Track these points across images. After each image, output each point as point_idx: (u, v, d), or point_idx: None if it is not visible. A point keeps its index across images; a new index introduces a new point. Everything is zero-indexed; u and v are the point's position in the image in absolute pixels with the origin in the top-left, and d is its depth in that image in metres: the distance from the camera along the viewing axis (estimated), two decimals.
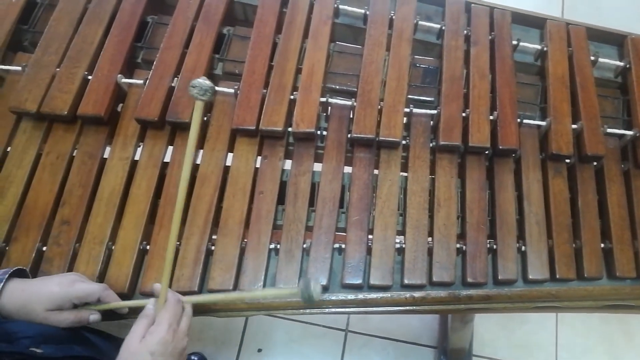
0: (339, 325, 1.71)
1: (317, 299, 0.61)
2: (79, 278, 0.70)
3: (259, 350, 1.66)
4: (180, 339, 0.59)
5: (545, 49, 0.93)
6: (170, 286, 0.76)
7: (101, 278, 0.76)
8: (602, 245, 0.83)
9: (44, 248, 0.77)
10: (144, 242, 0.79)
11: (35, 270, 0.76)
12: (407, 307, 0.79)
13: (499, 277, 0.79)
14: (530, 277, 0.80)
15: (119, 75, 0.86)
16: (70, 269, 0.76)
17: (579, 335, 1.71)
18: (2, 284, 0.63)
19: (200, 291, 0.77)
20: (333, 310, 0.79)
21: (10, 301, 0.64)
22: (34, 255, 0.76)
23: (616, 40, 0.99)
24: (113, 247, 0.78)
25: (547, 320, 1.72)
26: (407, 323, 1.71)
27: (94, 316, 0.70)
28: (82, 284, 0.68)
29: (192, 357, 1.62)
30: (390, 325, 1.71)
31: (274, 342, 1.67)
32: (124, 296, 0.76)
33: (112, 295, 0.71)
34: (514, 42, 0.93)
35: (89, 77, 0.85)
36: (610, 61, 0.95)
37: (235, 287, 0.77)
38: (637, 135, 0.87)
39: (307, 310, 0.78)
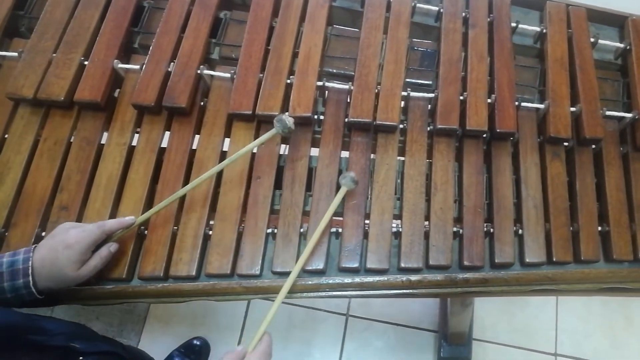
0: (340, 309, 1.72)
1: (291, 125, 0.74)
2: (71, 226, 0.70)
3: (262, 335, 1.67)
4: None
5: (544, 30, 0.92)
6: (168, 273, 0.77)
7: None
8: (600, 228, 0.83)
9: (43, 233, 0.78)
10: (142, 227, 0.79)
11: None
12: (404, 291, 0.79)
13: (496, 261, 0.79)
14: (527, 260, 0.80)
15: (116, 60, 0.86)
16: None
17: (580, 319, 1.71)
18: (29, 262, 0.65)
19: (198, 276, 0.77)
20: (330, 293, 0.79)
21: (41, 277, 0.66)
22: (33, 240, 0.76)
23: (617, 22, 0.98)
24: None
25: (547, 305, 1.73)
26: (408, 307, 1.72)
27: (113, 247, 0.73)
28: (82, 231, 0.69)
29: (195, 342, 1.64)
30: (391, 310, 1.72)
31: (275, 327, 1.66)
32: (122, 281, 0.77)
33: (112, 222, 0.73)
34: (513, 24, 0.92)
35: (86, 63, 0.85)
36: (610, 43, 0.94)
37: (233, 271, 0.77)
38: (637, 117, 0.86)
39: (304, 295, 0.79)
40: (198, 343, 1.63)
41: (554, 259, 0.79)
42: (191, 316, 1.71)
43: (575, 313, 1.72)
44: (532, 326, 1.70)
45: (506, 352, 1.67)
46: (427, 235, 0.80)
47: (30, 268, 0.65)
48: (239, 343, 1.66)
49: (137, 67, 0.86)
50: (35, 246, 0.68)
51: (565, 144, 0.87)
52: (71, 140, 0.84)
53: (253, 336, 0.68)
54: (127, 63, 0.88)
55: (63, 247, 0.66)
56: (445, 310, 1.58)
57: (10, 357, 0.58)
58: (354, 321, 1.71)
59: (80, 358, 0.66)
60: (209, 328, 1.69)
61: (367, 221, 0.81)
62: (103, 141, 0.85)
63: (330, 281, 0.78)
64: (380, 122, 0.82)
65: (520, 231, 0.81)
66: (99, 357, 0.69)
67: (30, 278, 0.65)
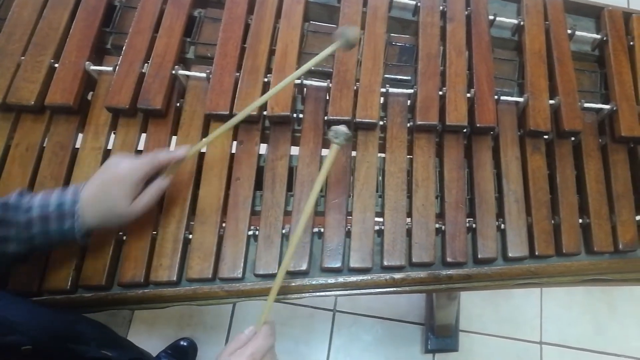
0: (326, 305, 1.72)
1: (356, 35, 0.68)
2: (122, 158, 0.67)
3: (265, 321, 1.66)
4: None
5: (522, 23, 0.92)
6: (148, 279, 0.75)
7: (77, 271, 0.75)
8: (580, 220, 0.83)
9: (120, 233, 0.76)
10: (120, 233, 0.77)
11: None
12: (388, 289, 0.79)
13: (479, 256, 0.79)
14: (510, 255, 0.80)
15: (88, 62, 0.83)
16: (44, 265, 0.74)
17: (564, 307, 1.74)
18: (77, 205, 0.62)
19: (179, 281, 0.76)
20: (314, 294, 0.79)
21: (91, 217, 0.64)
22: None
23: (593, 13, 0.98)
24: (88, 239, 0.76)
25: (532, 294, 1.75)
26: (395, 301, 1.73)
27: (165, 181, 0.70)
28: (133, 163, 0.66)
29: (182, 343, 1.62)
30: (378, 304, 1.72)
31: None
32: (101, 288, 0.76)
33: (164, 154, 0.70)
34: (491, 17, 0.92)
35: (56, 65, 0.83)
36: (587, 34, 0.94)
37: (215, 275, 0.76)
38: (614, 109, 0.87)
39: (289, 296, 0.78)
40: (185, 344, 1.62)
41: (537, 253, 0.80)
42: (177, 317, 1.69)
43: (559, 302, 1.74)
44: (518, 316, 1.72)
45: (492, 342, 1.68)
46: (409, 233, 0.79)
47: (77, 211, 0.62)
48: (226, 341, 1.66)
49: (110, 68, 0.84)
50: (85, 183, 0.65)
51: (545, 137, 0.87)
52: (44, 146, 0.82)
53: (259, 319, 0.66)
54: (100, 64, 0.86)
55: (116, 181, 0.64)
56: (432, 303, 1.59)
57: None
58: (341, 316, 1.71)
59: None
60: (196, 328, 1.68)
61: (349, 218, 0.80)
62: (78, 145, 0.83)
63: (314, 282, 0.78)
64: (360, 120, 0.82)
65: (502, 226, 0.81)
66: None
67: (77, 222, 0.62)
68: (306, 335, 1.68)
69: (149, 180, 0.68)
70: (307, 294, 0.78)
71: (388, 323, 1.70)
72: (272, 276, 0.77)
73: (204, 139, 0.75)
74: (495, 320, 1.71)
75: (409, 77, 0.90)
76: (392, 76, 0.90)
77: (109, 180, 0.64)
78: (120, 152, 0.69)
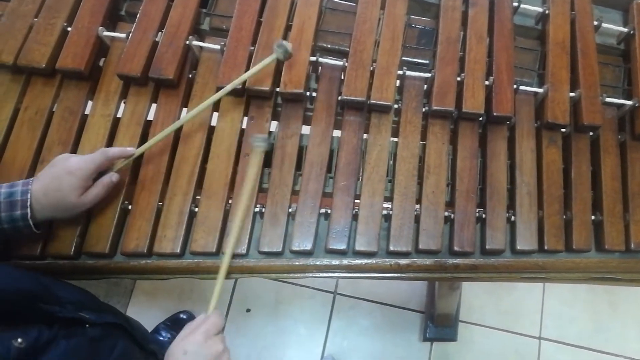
0: (327, 287, 1.72)
1: (291, 50, 0.75)
2: (71, 155, 0.70)
3: (248, 310, 1.67)
4: (211, 345, 0.62)
5: (547, 11, 0.89)
6: (152, 249, 0.75)
7: (82, 237, 0.75)
8: (593, 217, 0.81)
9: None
10: (126, 202, 0.77)
11: None
12: (392, 274, 0.78)
13: (487, 247, 0.78)
14: (518, 247, 0.78)
15: (101, 27, 0.82)
16: (50, 226, 0.74)
17: (565, 303, 1.73)
18: (28, 195, 0.64)
19: (182, 254, 0.76)
20: (317, 275, 0.78)
21: (41, 207, 0.65)
22: None
23: (621, 5, 0.95)
24: (94, 207, 0.76)
25: (534, 289, 1.74)
26: (396, 288, 1.72)
27: (115, 176, 0.72)
28: (83, 158, 0.69)
29: (181, 316, 1.63)
30: (379, 289, 1.72)
31: (262, 303, 1.68)
32: (104, 256, 0.75)
33: (114, 149, 0.72)
34: (515, 4, 0.89)
35: (69, 29, 0.82)
36: (613, 27, 0.91)
37: (219, 250, 0.76)
38: (637, 105, 0.84)
39: (292, 275, 0.77)
40: (184, 317, 1.63)
41: (546, 247, 0.78)
42: (178, 290, 1.70)
43: (561, 298, 1.73)
44: (518, 310, 1.71)
45: (491, 335, 1.68)
46: (417, 219, 0.78)
47: (28, 200, 0.64)
48: (226, 318, 1.66)
49: (124, 35, 0.83)
50: (34, 178, 0.67)
51: (563, 130, 0.85)
52: (53, 110, 0.81)
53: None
54: (113, 31, 0.84)
55: (65, 173, 0.66)
56: (433, 291, 1.59)
57: (19, 324, 0.57)
58: (342, 299, 1.71)
59: (87, 326, 0.66)
60: (196, 302, 1.69)
61: (357, 202, 0.79)
62: (87, 112, 0.82)
63: (318, 262, 0.77)
64: (374, 102, 0.80)
65: (512, 218, 0.80)
66: (104, 328, 0.69)
67: (28, 210, 0.64)
68: (306, 316, 1.68)
69: (99, 175, 0.71)
70: (310, 274, 0.78)
71: (388, 309, 1.70)
72: (277, 254, 0.77)
73: (149, 141, 0.76)
74: (496, 312, 1.70)
75: (426, 61, 0.88)
76: (410, 59, 0.88)
77: (59, 174, 0.66)
78: (68, 153, 0.72)
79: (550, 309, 1.72)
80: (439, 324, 1.61)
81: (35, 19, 0.82)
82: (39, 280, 0.65)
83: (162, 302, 1.69)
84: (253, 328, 1.65)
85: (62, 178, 0.66)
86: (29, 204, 0.64)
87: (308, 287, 1.71)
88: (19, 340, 0.53)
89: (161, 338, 1.56)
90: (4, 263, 0.66)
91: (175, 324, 1.62)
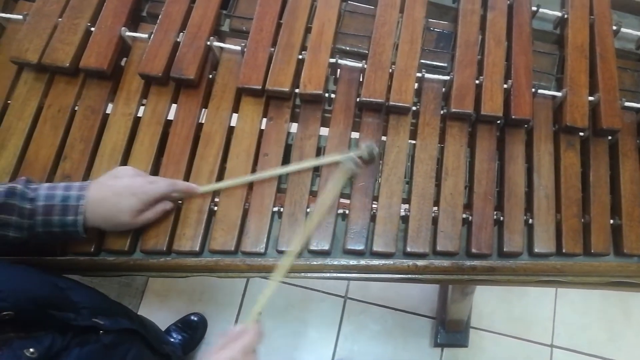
0: (338, 291, 1.72)
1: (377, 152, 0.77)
2: (136, 174, 0.70)
3: (259, 313, 1.67)
4: None
5: (565, 16, 0.89)
6: (171, 247, 0.75)
7: (102, 234, 0.75)
8: (612, 221, 0.81)
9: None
10: None
11: None
12: (410, 276, 0.78)
13: (504, 249, 0.78)
14: (536, 250, 0.78)
15: (123, 28, 0.83)
16: None
17: (577, 311, 1.71)
18: (83, 201, 0.64)
19: (201, 252, 0.76)
20: (334, 275, 0.78)
21: (94, 216, 0.66)
22: None
23: None
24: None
25: (545, 296, 1.73)
26: (407, 293, 1.72)
27: (169, 205, 0.74)
28: (150, 183, 0.69)
29: (192, 318, 1.64)
30: (390, 294, 1.72)
31: (273, 306, 1.68)
32: (123, 253, 0.76)
33: (182, 184, 0.74)
34: (534, 8, 0.89)
35: (92, 29, 0.83)
36: (632, 32, 0.91)
37: (237, 248, 0.76)
38: None
39: (309, 275, 0.78)
40: (195, 319, 1.64)
41: (564, 251, 0.78)
42: (189, 292, 1.71)
43: (573, 305, 1.72)
44: (530, 316, 1.70)
45: (502, 341, 1.67)
46: (435, 221, 0.78)
47: (82, 207, 0.64)
48: (236, 320, 1.67)
49: (145, 35, 0.84)
50: (91, 183, 0.67)
51: (581, 134, 0.85)
52: (75, 109, 0.82)
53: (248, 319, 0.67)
54: (135, 31, 0.86)
55: (129, 193, 0.66)
56: (444, 296, 1.58)
57: (33, 331, 0.57)
58: (352, 304, 1.71)
59: (101, 332, 0.66)
60: (207, 304, 1.69)
61: (374, 204, 0.79)
62: (108, 111, 0.83)
63: (335, 262, 0.77)
64: (393, 103, 0.80)
65: (530, 221, 0.80)
66: (118, 333, 0.69)
67: (81, 217, 0.64)
68: (316, 320, 1.68)
69: None
70: (327, 274, 0.78)
71: (398, 314, 1.70)
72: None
73: (218, 183, 0.77)
74: (507, 319, 1.69)
75: (444, 64, 0.89)
76: (428, 62, 0.88)
77: (122, 191, 0.66)
78: (132, 168, 0.72)
79: (562, 316, 1.71)
80: (450, 330, 1.60)
81: (60, 19, 0.83)
82: (56, 284, 0.65)
83: (173, 304, 1.69)
84: (263, 331, 1.65)
85: (123, 196, 0.66)
86: (82, 210, 0.64)
87: (318, 290, 1.71)
88: (31, 350, 0.53)
89: (172, 339, 1.56)
90: (22, 265, 0.66)
91: (186, 325, 1.62)
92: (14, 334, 0.55)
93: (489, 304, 1.71)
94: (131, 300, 1.69)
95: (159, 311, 1.67)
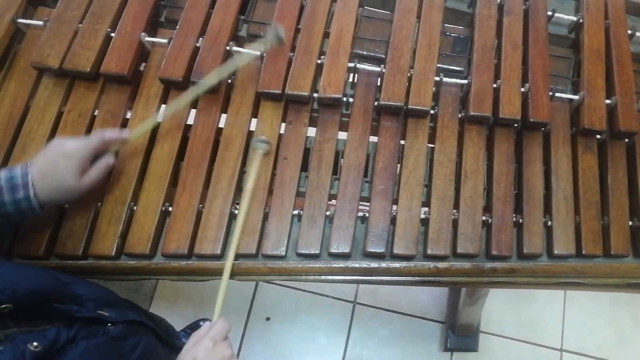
0: (347, 296, 1.71)
1: (282, 35, 0.76)
2: (66, 138, 0.70)
3: (267, 319, 1.67)
4: (220, 350, 0.64)
5: (581, 20, 0.90)
6: (192, 251, 0.76)
7: (123, 238, 0.76)
8: (631, 223, 0.82)
9: (66, 205, 0.76)
10: (166, 204, 0.78)
11: (58, 225, 0.76)
12: (430, 278, 0.79)
13: (524, 251, 0.78)
14: (555, 252, 0.79)
15: (143, 33, 0.84)
16: (92, 227, 0.76)
17: (587, 316, 1.71)
18: (29, 177, 0.64)
19: (222, 255, 0.76)
20: (355, 278, 0.79)
21: (42, 190, 0.65)
22: (56, 212, 0.76)
23: None
24: (135, 208, 0.77)
25: (554, 300, 1.73)
26: (415, 297, 1.72)
27: (112, 159, 0.73)
28: (79, 140, 0.69)
29: (201, 323, 1.62)
30: (398, 299, 1.71)
31: (282, 311, 1.68)
32: (144, 257, 0.76)
33: (110, 131, 0.74)
34: (549, 13, 0.90)
35: (112, 35, 0.83)
36: None
37: (258, 251, 0.76)
38: None
39: (330, 277, 0.78)
40: (204, 325, 1.63)
41: (583, 252, 0.78)
42: (198, 297, 1.70)
43: (582, 309, 1.72)
44: (539, 321, 1.70)
45: (512, 346, 1.67)
46: (455, 223, 0.79)
47: (30, 182, 0.64)
48: (245, 326, 1.66)
49: (165, 41, 0.85)
50: (28, 162, 0.67)
51: (598, 136, 0.86)
52: (95, 113, 0.83)
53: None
54: (154, 36, 0.86)
55: (62, 157, 0.66)
56: (454, 301, 1.58)
57: (39, 324, 0.57)
58: (361, 309, 1.71)
59: (109, 324, 0.66)
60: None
61: (394, 207, 0.80)
62: (128, 116, 0.83)
63: (357, 265, 0.78)
64: (412, 107, 0.81)
65: (549, 223, 0.80)
66: (126, 325, 0.69)
67: (31, 191, 0.64)
68: (325, 325, 1.68)
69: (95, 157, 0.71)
70: (349, 277, 0.78)
71: (408, 319, 1.70)
72: (314, 256, 0.77)
73: (144, 124, 0.78)
74: (516, 323, 1.69)
75: (461, 68, 0.89)
76: (445, 66, 0.89)
77: (56, 157, 0.67)
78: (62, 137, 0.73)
79: (571, 320, 1.70)
80: (460, 334, 1.60)
81: (80, 25, 0.83)
82: (59, 278, 0.65)
83: (182, 309, 1.69)
84: (272, 336, 1.65)
85: (59, 161, 0.66)
86: (30, 184, 0.64)
87: (328, 296, 1.71)
88: (35, 344, 0.53)
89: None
90: (22, 263, 0.66)
91: (194, 331, 1.61)
92: (17, 328, 0.54)
93: (497, 308, 1.70)
94: (140, 305, 1.68)
95: (168, 317, 1.64)
